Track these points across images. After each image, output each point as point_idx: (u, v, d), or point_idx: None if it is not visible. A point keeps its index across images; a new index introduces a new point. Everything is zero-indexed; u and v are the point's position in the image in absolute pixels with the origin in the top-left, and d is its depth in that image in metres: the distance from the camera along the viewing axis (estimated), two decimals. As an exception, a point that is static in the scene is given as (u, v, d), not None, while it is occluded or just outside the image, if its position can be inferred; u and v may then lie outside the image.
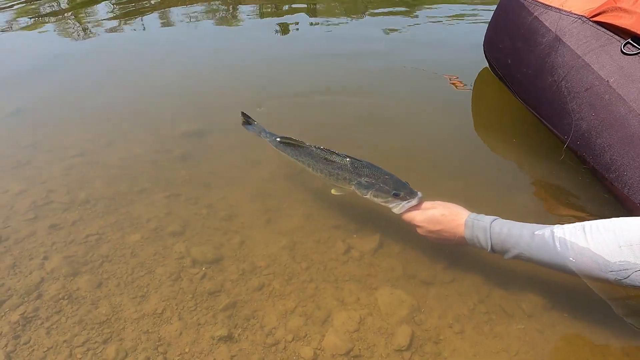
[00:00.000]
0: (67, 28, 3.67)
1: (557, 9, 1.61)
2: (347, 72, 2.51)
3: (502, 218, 1.07)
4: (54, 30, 3.64)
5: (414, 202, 1.17)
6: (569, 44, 1.51)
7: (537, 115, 1.72)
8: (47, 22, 3.84)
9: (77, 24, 3.78)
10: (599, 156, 1.35)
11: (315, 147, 1.39)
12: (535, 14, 1.70)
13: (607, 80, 1.34)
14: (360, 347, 1.04)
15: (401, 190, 1.20)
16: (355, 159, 1.31)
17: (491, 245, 1.05)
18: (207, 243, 1.34)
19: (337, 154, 1.33)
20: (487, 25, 2.14)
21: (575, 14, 1.54)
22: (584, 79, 1.43)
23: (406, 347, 1.03)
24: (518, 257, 1.02)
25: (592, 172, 1.41)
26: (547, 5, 1.66)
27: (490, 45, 2.11)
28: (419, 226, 1.17)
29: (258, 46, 3.07)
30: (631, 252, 0.84)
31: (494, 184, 1.57)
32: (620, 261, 0.86)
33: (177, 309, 1.14)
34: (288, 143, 1.45)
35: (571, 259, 0.92)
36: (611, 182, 1.30)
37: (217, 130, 1.94)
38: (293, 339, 1.06)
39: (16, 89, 2.43)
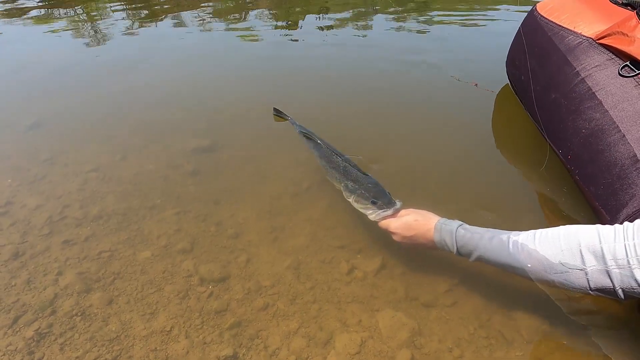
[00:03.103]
0: (82, 36, 3.76)
1: (569, 30, 1.68)
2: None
3: None
4: (69, 36, 3.73)
5: (389, 212, 1.27)
6: (573, 64, 1.57)
7: (540, 130, 1.79)
8: (60, 26, 3.95)
9: (92, 31, 3.88)
10: (583, 170, 1.42)
11: (324, 144, 1.62)
12: (549, 34, 1.78)
13: (600, 100, 1.40)
14: (360, 370, 1.06)
15: (380, 199, 1.30)
16: (350, 163, 1.48)
17: (457, 247, 1.12)
18: (214, 261, 1.38)
19: (338, 155, 1.51)
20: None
21: (584, 36, 1.60)
22: (579, 97, 1.49)
23: (406, 371, 1.05)
24: (480, 259, 1.09)
25: (577, 185, 1.48)
26: (560, 26, 1.73)
27: (510, 62, 2.22)
28: (394, 233, 1.26)
29: (273, 56, 3.12)
30: (571, 255, 0.92)
31: (502, 202, 1.59)
32: (561, 262, 0.93)
33: (184, 327, 1.18)
34: (306, 135, 1.76)
35: (522, 260, 1.00)
36: (590, 194, 1.36)
37: (227, 146, 1.99)
38: (295, 361, 1.09)
39: (34, 102, 2.50)
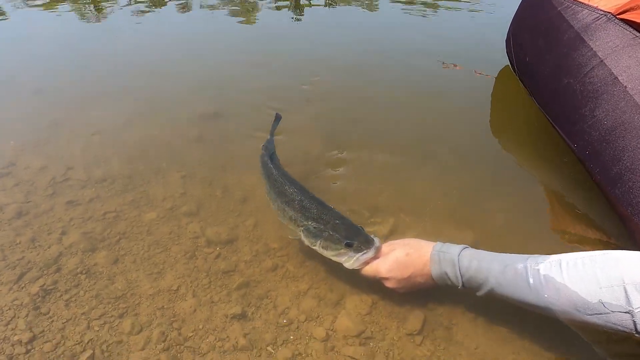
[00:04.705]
0: (85, 9, 3.69)
1: (583, 3, 1.47)
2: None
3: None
4: (71, 11, 3.66)
5: (370, 253, 1.00)
6: (589, 43, 1.39)
7: (549, 119, 1.61)
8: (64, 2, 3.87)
9: (95, 5, 3.80)
10: (606, 169, 1.24)
11: (277, 170, 1.26)
12: (558, 8, 1.58)
13: (625, 86, 1.23)
14: (372, 330, 1.04)
15: (355, 238, 1.02)
16: (306, 196, 1.15)
17: (462, 281, 0.95)
18: (221, 224, 1.35)
19: (291, 186, 1.17)
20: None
21: (601, 10, 1.40)
22: (600, 82, 1.31)
23: (418, 331, 1.03)
24: (491, 294, 0.92)
25: (598, 187, 1.30)
26: None
27: (511, 41, 2.00)
28: (386, 278, 1.02)
29: (277, 33, 3.07)
30: (612, 294, 0.76)
31: (503, 187, 1.54)
32: (600, 301, 0.77)
33: (191, 286, 1.16)
34: (264, 157, 1.37)
35: (547, 297, 0.83)
36: (616, 198, 1.19)
37: (233, 114, 1.95)
38: (306, 320, 1.07)
39: (38, 69, 2.46)
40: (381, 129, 1.86)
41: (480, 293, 0.95)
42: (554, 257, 0.86)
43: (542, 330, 1.01)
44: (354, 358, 0.99)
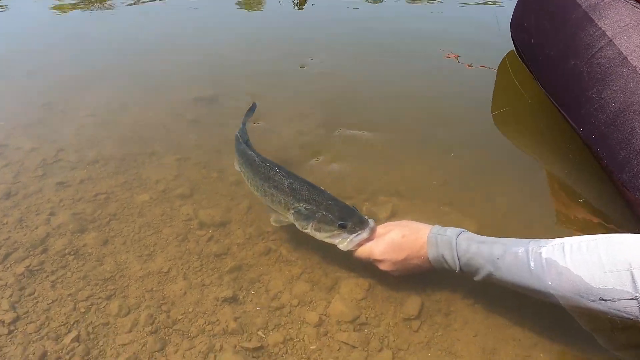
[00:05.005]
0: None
1: None
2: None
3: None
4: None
5: (364, 234, 0.97)
6: (597, 23, 1.33)
7: (555, 103, 1.56)
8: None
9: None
10: (613, 153, 1.18)
11: (258, 157, 1.21)
12: None
13: (635, 66, 1.17)
14: (367, 315, 1.00)
15: (349, 219, 0.99)
16: (295, 179, 1.10)
17: (459, 265, 0.91)
18: (215, 207, 1.32)
19: (278, 170, 1.13)
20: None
21: None
22: (608, 63, 1.25)
23: (415, 316, 0.99)
24: (489, 279, 0.88)
25: (605, 171, 1.25)
26: None
27: (516, 24, 1.95)
28: (380, 260, 0.98)
29: (277, 18, 3.03)
30: (617, 279, 0.72)
31: (505, 172, 1.48)
32: (604, 287, 0.73)
33: (182, 269, 1.12)
34: (241, 146, 1.29)
35: (548, 281, 0.78)
36: (623, 183, 1.14)
37: (229, 97, 1.92)
38: (298, 304, 1.03)
39: (32, 52, 2.42)
40: (381, 112, 1.82)
41: (477, 277, 0.91)
42: (557, 241, 0.81)
43: (542, 316, 0.97)
44: (347, 344, 0.95)
